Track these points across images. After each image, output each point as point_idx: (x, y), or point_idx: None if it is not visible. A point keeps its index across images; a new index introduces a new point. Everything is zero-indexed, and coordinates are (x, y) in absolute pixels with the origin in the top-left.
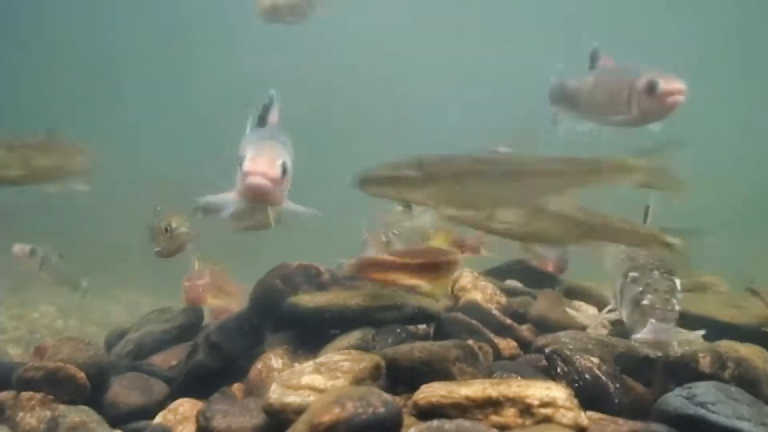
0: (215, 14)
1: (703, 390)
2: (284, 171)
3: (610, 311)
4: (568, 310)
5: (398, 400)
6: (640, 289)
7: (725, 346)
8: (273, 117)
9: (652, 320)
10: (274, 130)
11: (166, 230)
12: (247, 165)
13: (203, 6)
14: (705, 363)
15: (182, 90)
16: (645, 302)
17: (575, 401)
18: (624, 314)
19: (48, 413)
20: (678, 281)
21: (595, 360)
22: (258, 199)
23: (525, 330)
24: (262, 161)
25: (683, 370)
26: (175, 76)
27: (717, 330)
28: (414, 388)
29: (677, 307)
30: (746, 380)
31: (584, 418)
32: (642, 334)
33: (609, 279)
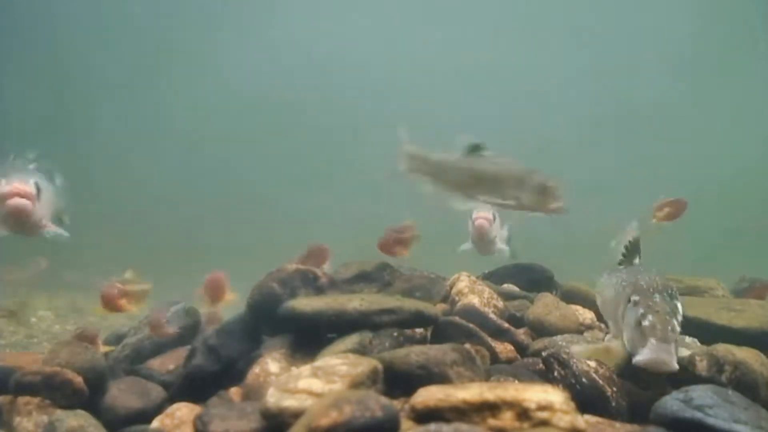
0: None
1: (701, 393)
2: (38, 189)
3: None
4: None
5: (396, 404)
6: (642, 311)
7: (722, 349)
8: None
9: (653, 340)
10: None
11: None
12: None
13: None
14: (702, 366)
15: None
16: (645, 323)
17: (572, 404)
18: (625, 338)
19: (45, 417)
20: (680, 304)
21: (592, 363)
22: (18, 219)
23: (522, 334)
24: (15, 182)
25: (680, 373)
26: None
27: (713, 333)
28: (411, 391)
29: (678, 329)
30: (743, 383)
31: (581, 421)
32: (642, 355)
33: (603, 308)
